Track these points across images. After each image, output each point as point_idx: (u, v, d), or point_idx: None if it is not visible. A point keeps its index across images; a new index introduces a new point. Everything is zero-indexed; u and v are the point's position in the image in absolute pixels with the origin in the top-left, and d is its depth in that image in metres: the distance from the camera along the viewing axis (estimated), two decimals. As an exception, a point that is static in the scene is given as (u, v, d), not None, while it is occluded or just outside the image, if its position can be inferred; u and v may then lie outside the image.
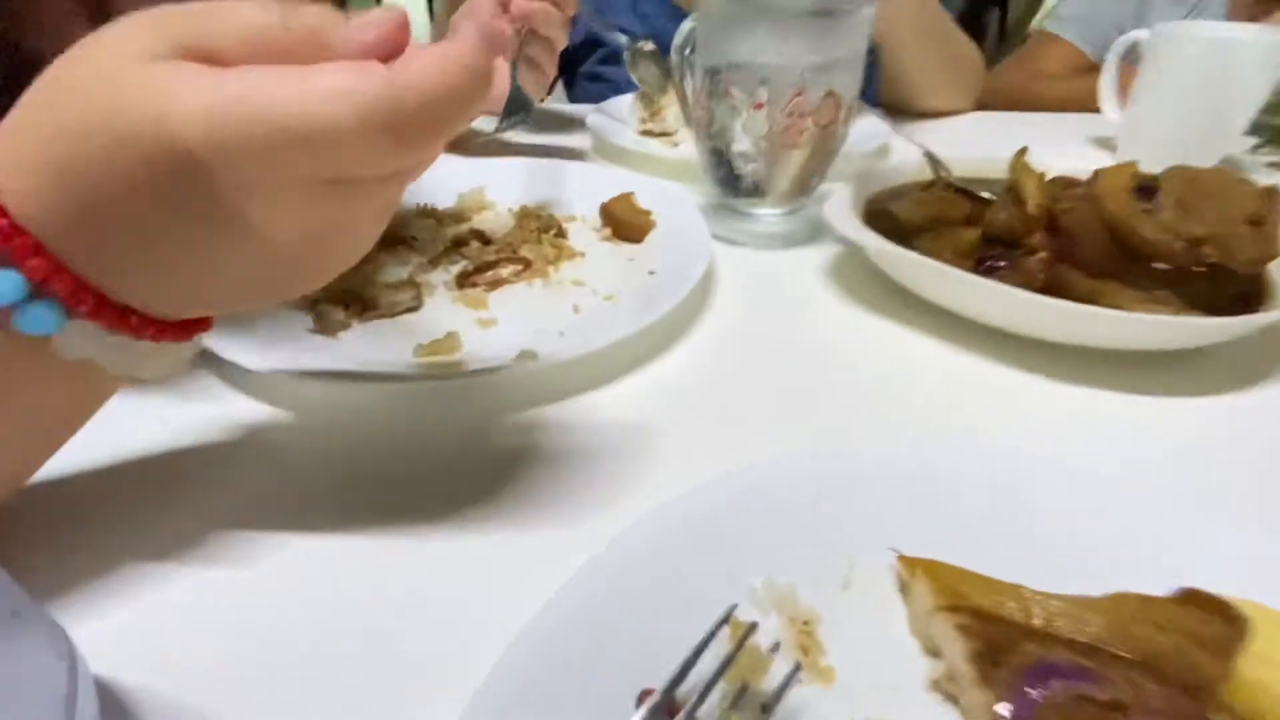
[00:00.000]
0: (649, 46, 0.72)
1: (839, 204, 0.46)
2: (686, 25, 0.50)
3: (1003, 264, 0.42)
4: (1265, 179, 0.69)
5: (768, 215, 0.53)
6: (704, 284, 0.44)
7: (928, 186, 0.54)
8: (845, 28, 0.45)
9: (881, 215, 0.49)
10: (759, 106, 0.45)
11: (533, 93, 0.69)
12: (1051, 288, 0.38)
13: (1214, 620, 0.20)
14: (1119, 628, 0.21)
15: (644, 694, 0.20)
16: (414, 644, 0.24)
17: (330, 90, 0.18)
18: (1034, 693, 0.19)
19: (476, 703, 0.19)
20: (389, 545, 0.27)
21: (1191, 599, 0.21)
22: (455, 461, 0.32)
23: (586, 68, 0.95)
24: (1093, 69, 0.85)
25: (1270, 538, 0.24)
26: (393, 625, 0.24)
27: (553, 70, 0.70)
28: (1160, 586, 0.22)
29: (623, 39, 0.72)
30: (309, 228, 0.23)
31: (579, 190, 0.57)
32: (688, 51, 0.51)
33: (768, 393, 0.37)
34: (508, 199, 0.56)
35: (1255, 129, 0.78)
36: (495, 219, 0.54)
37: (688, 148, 0.67)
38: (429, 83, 0.19)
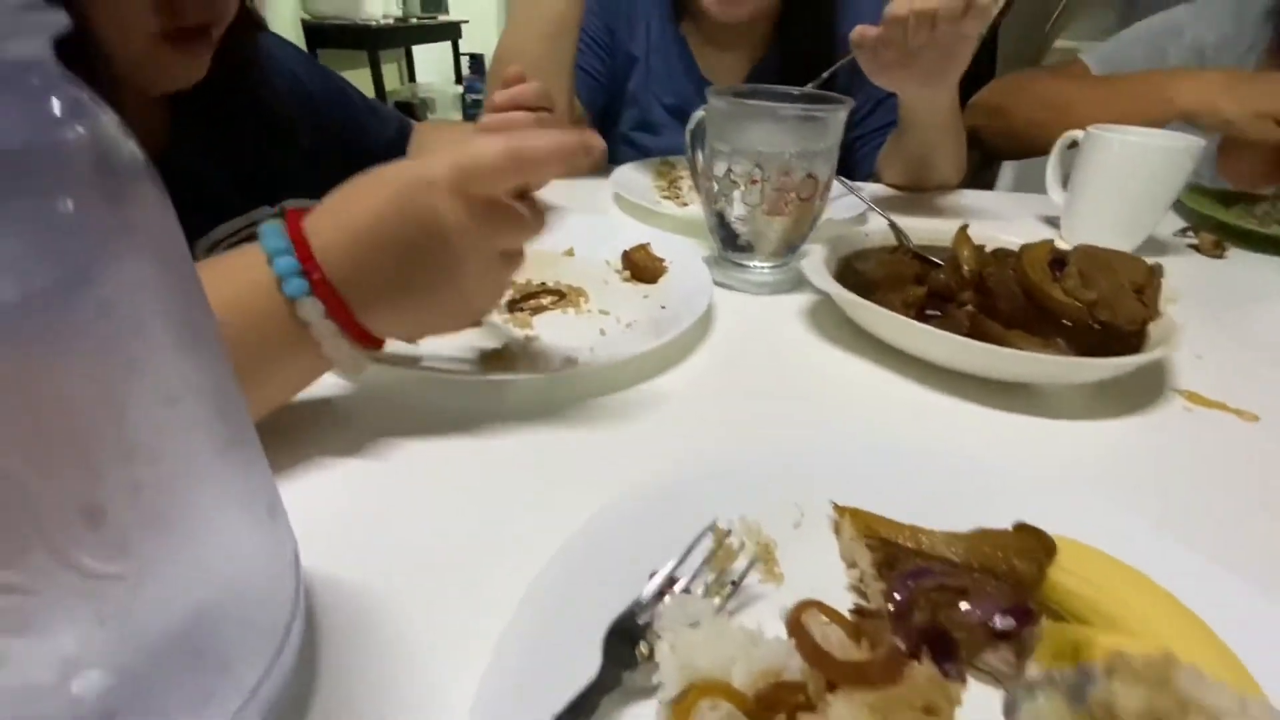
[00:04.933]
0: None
1: (815, 261, 0.57)
2: (698, 114, 0.63)
3: (939, 314, 0.53)
4: (1182, 256, 0.82)
5: (759, 267, 0.65)
6: (705, 319, 0.55)
7: (893, 251, 0.66)
8: (824, 126, 0.57)
9: (850, 271, 0.61)
10: (754, 182, 0.57)
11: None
12: (975, 333, 0.49)
13: (1033, 543, 0.30)
14: (973, 549, 0.31)
15: (652, 574, 0.30)
16: (509, 533, 0.34)
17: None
18: (911, 584, 0.29)
19: (548, 569, 0.29)
20: (482, 477, 0.38)
21: (1020, 529, 0.31)
22: (515, 434, 0.42)
23: (622, 129, 1.07)
24: None
25: (1085, 496, 0.34)
26: (493, 521, 0.34)
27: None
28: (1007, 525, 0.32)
29: None
30: (486, 283, 0.39)
31: (604, 237, 0.68)
32: (699, 133, 0.63)
33: (752, 403, 0.47)
34: (548, 245, 0.68)
35: (1188, 216, 0.90)
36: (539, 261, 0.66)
37: (695, 209, 0.79)
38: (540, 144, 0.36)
